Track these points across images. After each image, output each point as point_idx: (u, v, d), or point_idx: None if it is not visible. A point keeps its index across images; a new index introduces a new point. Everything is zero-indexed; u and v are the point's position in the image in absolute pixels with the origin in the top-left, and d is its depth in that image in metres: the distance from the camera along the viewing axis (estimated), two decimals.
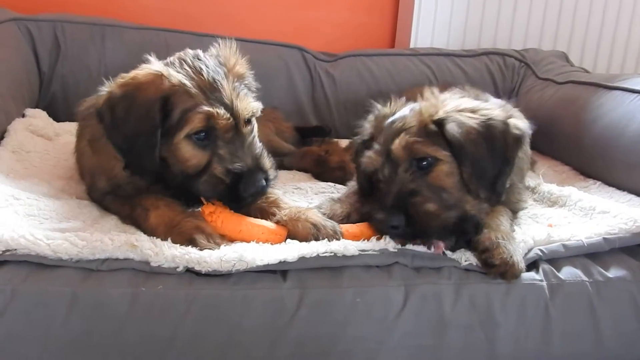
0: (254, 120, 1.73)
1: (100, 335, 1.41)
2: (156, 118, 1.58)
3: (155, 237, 1.51)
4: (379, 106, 1.82)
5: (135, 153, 1.62)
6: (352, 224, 1.72)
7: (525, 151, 1.90)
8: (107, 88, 1.66)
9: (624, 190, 2.15)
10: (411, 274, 1.55)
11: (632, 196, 2.09)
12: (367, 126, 1.83)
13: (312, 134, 2.69)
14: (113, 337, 1.41)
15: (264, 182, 1.64)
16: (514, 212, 1.83)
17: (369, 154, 1.69)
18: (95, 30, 2.80)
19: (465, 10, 3.37)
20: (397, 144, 1.61)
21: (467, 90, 2.18)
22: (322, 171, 2.32)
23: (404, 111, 1.70)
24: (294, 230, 1.63)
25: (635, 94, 2.24)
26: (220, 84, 1.64)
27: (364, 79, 3.05)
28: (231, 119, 1.62)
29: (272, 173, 1.69)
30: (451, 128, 1.59)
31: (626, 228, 1.70)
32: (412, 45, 3.33)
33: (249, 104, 1.68)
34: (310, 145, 2.54)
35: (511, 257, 1.54)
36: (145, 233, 1.58)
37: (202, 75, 1.63)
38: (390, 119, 1.70)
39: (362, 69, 3.07)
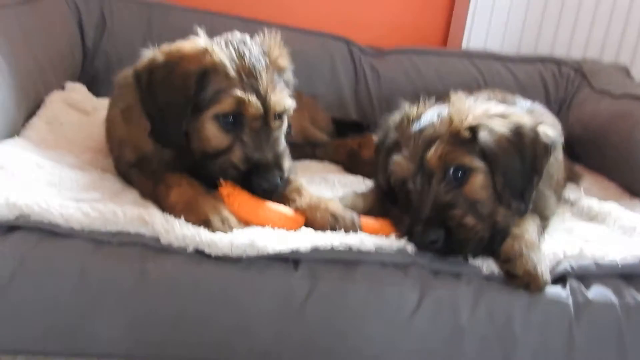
0: (285, 118, 1.71)
1: (107, 307, 1.40)
2: (191, 90, 1.58)
3: (172, 214, 1.50)
4: (406, 106, 1.75)
5: (163, 121, 1.62)
6: (373, 218, 1.67)
7: (557, 157, 1.81)
8: (150, 53, 1.68)
9: None
10: (428, 277, 1.49)
11: None
12: (391, 127, 1.76)
13: (350, 128, 2.63)
14: (120, 310, 1.40)
15: (278, 180, 1.61)
16: (543, 220, 1.73)
17: (399, 159, 1.62)
18: (142, 9, 2.81)
19: (524, 14, 3.24)
20: (433, 153, 1.54)
21: (495, 93, 2.11)
22: (353, 164, 2.28)
23: (431, 116, 1.63)
24: (312, 218, 1.60)
25: None
26: (259, 73, 1.62)
27: (410, 76, 2.96)
28: (261, 110, 1.60)
29: (288, 173, 1.67)
30: (484, 135, 1.54)
31: None
32: (464, 46, 3.23)
33: (283, 99, 1.66)
34: (345, 138, 2.49)
35: (535, 267, 1.46)
36: (164, 210, 1.56)
37: (244, 60, 1.62)
38: (418, 126, 1.63)
39: (409, 66, 2.99)
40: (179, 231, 1.41)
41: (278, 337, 1.44)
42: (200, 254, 1.42)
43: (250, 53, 1.64)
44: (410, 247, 1.51)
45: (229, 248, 1.40)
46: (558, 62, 3.10)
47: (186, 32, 2.57)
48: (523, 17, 3.25)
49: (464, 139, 1.55)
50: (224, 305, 1.42)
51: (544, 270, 1.48)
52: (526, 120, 1.61)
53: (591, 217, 1.95)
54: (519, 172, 1.55)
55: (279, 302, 1.43)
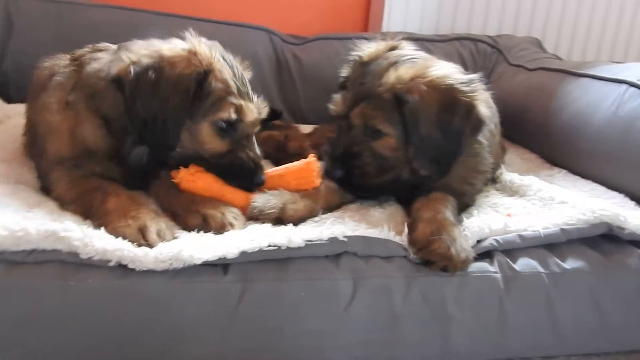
0: None
1: (33, 329, 1.34)
2: (190, 93, 1.61)
3: (105, 220, 1.47)
4: (364, 48, 1.87)
5: (157, 127, 1.59)
6: (278, 168, 1.84)
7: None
8: (125, 56, 1.63)
9: (588, 179, 2.11)
10: (360, 266, 1.49)
11: (596, 185, 2.06)
12: (350, 64, 1.90)
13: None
14: (46, 331, 1.34)
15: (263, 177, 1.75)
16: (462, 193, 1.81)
17: (338, 100, 1.82)
18: (50, 8, 2.69)
19: None
20: (356, 111, 1.73)
21: None
22: (281, 157, 2.24)
23: (381, 64, 1.75)
24: (185, 217, 1.61)
25: (603, 82, 2.19)
26: (246, 82, 1.76)
27: (333, 62, 2.91)
28: (258, 116, 1.76)
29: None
30: (408, 109, 1.64)
31: (584, 219, 1.64)
32: (384, 29, 3.25)
33: (264, 104, 1.82)
34: (271, 129, 2.45)
35: (448, 249, 1.48)
36: (94, 215, 1.51)
37: (234, 69, 1.72)
38: (366, 71, 1.77)
39: (331, 52, 2.98)
40: (99, 244, 1.35)
41: (219, 341, 1.41)
42: (124, 266, 1.36)
43: (232, 61, 1.74)
44: (340, 235, 1.50)
45: (154, 263, 1.35)
46: (475, 40, 3.18)
47: (99, 30, 2.51)
48: None
49: (392, 103, 1.67)
50: (155, 315, 1.37)
51: (460, 248, 1.50)
52: (463, 98, 1.66)
53: (513, 191, 2.00)
54: (440, 144, 1.65)
55: (211, 307, 1.40)
